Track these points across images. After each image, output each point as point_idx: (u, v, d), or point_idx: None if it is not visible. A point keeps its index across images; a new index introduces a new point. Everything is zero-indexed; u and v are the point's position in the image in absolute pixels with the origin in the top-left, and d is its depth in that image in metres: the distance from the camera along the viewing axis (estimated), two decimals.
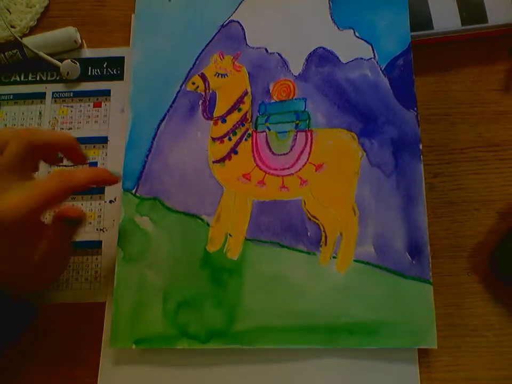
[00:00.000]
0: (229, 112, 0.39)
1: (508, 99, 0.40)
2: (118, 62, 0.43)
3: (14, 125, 0.41)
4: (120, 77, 0.42)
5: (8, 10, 0.44)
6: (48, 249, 0.32)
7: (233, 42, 0.40)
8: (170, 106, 0.39)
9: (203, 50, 0.40)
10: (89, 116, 0.41)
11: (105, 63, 0.43)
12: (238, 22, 0.41)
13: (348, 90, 0.38)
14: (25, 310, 0.34)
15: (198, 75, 0.40)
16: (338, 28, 0.40)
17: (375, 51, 0.39)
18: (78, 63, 0.42)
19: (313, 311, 0.34)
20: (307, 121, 0.38)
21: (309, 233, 0.36)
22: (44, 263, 0.32)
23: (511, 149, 0.39)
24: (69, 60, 0.42)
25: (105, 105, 0.42)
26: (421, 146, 0.37)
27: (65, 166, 0.39)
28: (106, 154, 0.40)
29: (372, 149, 0.37)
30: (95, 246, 0.38)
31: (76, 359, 0.36)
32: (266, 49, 0.40)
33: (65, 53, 0.43)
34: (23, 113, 0.42)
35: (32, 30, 0.44)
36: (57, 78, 0.43)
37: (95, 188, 0.39)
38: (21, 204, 0.28)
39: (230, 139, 0.38)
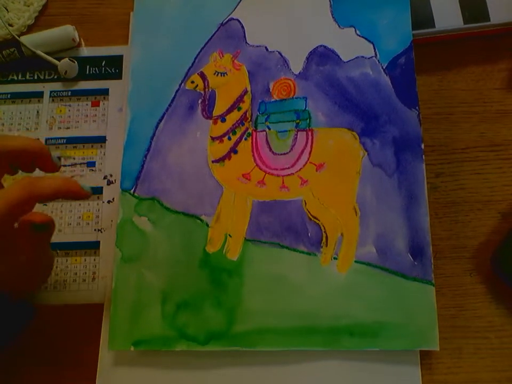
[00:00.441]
0: (229, 111, 0.38)
1: (510, 98, 0.40)
2: (117, 61, 0.42)
3: (12, 124, 0.41)
4: (118, 75, 0.42)
5: (6, 8, 0.44)
6: (24, 256, 0.31)
7: (233, 41, 0.40)
8: (169, 105, 0.39)
9: (202, 48, 0.40)
10: (87, 115, 0.41)
11: (104, 62, 0.42)
12: (238, 20, 0.40)
13: (349, 89, 0.38)
14: (23, 310, 0.34)
15: (197, 74, 0.39)
16: (339, 26, 0.40)
17: (376, 49, 0.39)
18: (76, 62, 0.42)
19: (314, 312, 0.34)
20: (307, 121, 0.38)
21: (309, 234, 0.36)
22: (23, 269, 0.32)
23: None
24: (67, 59, 0.41)
25: (104, 104, 0.41)
26: (422, 146, 0.37)
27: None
28: (104, 154, 0.40)
29: (373, 149, 0.37)
30: (93, 246, 0.38)
31: (74, 361, 0.36)
32: (266, 48, 0.40)
33: (63, 51, 0.43)
34: (20, 113, 0.41)
35: (30, 29, 0.44)
36: (55, 77, 0.42)
37: (93, 188, 0.39)
38: None
39: (229, 138, 0.38)
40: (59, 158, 0.33)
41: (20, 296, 0.34)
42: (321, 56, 0.39)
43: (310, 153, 0.37)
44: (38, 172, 0.33)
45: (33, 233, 0.30)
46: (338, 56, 0.39)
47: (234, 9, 0.41)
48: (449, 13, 0.39)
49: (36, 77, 0.42)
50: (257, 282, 0.35)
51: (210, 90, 0.39)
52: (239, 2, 0.41)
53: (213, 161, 0.37)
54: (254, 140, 0.38)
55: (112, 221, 0.38)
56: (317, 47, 0.39)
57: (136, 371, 0.35)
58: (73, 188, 0.30)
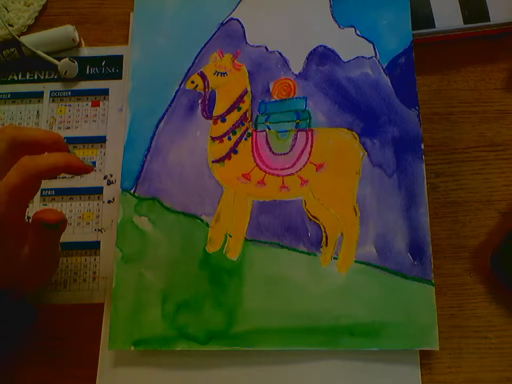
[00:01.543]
0: (229, 111, 0.38)
1: (510, 98, 0.40)
2: (117, 61, 0.42)
3: (12, 124, 0.41)
4: (118, 75, 0.42)
5: (6, 8, 0.44)
6: (32, 251, 0.31)
7: (233, 41, 0.40)
8: (169, 105, 0.39)
9: (202, 48, 0.40)
10: (87, 115, 0.41)
11: (104, 62, 0.42)
12: (238, 20, 0.40)
13: (349, 89, 0.38)
14: (23, 311, 0.34)
15: (197, 74, 0.39)
16: (339, 26, 0.40)
17: (376, 50, 0.39)
18: (76, 62, 0.42)
19: (314, 312, 0.34)
20: (307, 121, 0.38)
21: (309, 234, 0.36)
22: (30, 264, 0.31)
23: None
24: (67, 59, 0.41)
25: (104, 104, 0.41)
26: (422, 146, 0.37)
27: None
28: (104, 154, 0.40)
29: (373, 149, 0.37)
30: (94, 246, 0.38)
31: (74, 360, 0.36)
32: (266, 48, 0.40)
33: (63, 51, 0.43)
34: (20, 113, 0.41)
35: (30, 29, 0.43)
36: (55, 77, 0.42)
37: (93, 188, 0.39)
38: None
39: (229, 138, 0.38)
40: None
41: (23, 295, 0.34)
42: (321, 56, 0.39)
43: (310, 153, 0.37)
44: None
45: (43, 230, 0.30)
46: (338, 56, 0.39)
47: (234, 9, 0.41)
48: (449, 13, 0.39)
49: (36, 77, 0.42)
50: (257, 282, 0.35)
51: (210, 90, 0.39)
52: (239, 2, 0.41)
53: (213, 161, 0.37)
54: (254, 140, 0.38)
55: (112, 221, 0.38)
56: (317, 47, 0.39)
57: (136, 371, 0.35)
58: (72, 161, 0.30)
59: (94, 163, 0.30)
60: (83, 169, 0.30)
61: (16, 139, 0.29)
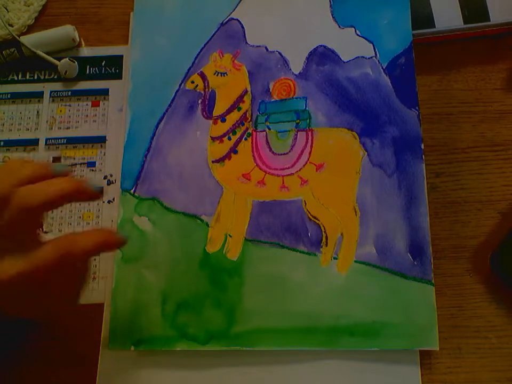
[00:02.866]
0: (229, 111, 0.38)
1: (510, 98, 0.40)
2: (117, 61, 0.42)
3: (12, 124, 0.41)
4: (118, 75, 0.42)
5: (6, 8, 0.44)
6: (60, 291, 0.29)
7: (233, 41, 0.40)
8: (169, 105, 0.39)
9: (202, 48, 0.40)
10: (87, 115, 0.41)
11: (104, 62, 0.42)
12: (238, 20, 0.40)
13: (349, 89, 0.38)
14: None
15: (198, 74, 0.39)
16: (339, 26, 0.40)
17: (376, 50, 0.39)
18: (76, 62, 0.42)
19: (314, 312, 0.34)
20: (307, 120, 0.38)
21: (309, 234, 0.36)
22: (61, 297, 0.30)
23: None
24: (67, 59, 0.41)
25: (104, 104, 0.41)
26: (422, 146, 0.37)
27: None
28: (104, 154, 0.40)
29: (373, 149, 0.37)
30: None
31: (74, 360, 0.36)
32: (266, 48, 0.40)
33: (63, 51, 0.43)
34: (20, 113, 0.41)
35: (30, 29, 0.43)
36: (55, 77, 0.42)
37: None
38: (13, 278, 0.25)
39: (229, 138, 0.38)
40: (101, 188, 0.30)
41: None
42: (321, 56, 0.39)
43: (310, 153, 0.37)
44: None
45: (71, 268, 0.28)
46: (338, 56, 0.39)
47: (234, 9, 0.41)
48: (449, 13, 0.39)
49: (36, 77, 0.42)
50: (257, 282, 0.35)
51: (210, 90, 0.39)
52: (239, 2, 0.41)
53: (213, 161, 0.38)
54: (254, 140, 0.38)
55: (112, 221, 0.38)
56: (317, 47, 0.39)
57: (136, 371, 0.35)
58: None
59: (101, 188, 0.29)
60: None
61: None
